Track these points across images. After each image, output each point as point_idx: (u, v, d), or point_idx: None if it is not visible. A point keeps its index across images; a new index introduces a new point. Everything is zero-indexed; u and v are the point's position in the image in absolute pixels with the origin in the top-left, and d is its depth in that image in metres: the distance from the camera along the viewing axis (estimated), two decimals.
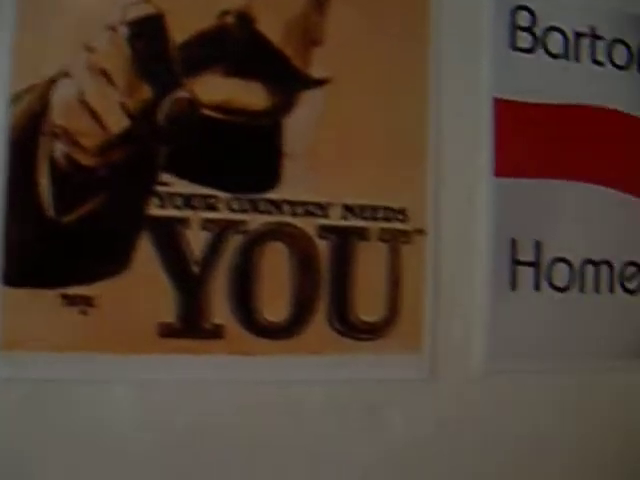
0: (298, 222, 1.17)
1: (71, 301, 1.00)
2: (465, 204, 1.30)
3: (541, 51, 1.38)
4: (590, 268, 1.42)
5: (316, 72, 1.16)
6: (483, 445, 1.29)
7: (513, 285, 1.33)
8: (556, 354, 1.37)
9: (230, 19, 1.09)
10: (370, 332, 1.22)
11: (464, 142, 1.29)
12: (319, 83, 1.15)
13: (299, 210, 1.18)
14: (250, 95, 1.13)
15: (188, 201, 1.11)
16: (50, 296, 0.97)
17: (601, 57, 1.43)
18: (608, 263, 1.43)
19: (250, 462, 1.14)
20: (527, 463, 1.32)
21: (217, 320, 1.12)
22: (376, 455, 1.22)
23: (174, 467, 1.10)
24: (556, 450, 1.34)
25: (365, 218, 1.22)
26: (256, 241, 1.14)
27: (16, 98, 0.99)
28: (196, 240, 1.11)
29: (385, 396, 1.24)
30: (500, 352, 1.32)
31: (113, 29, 1.03)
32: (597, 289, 1.41)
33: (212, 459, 1.12)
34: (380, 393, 1.24)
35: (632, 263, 1.46)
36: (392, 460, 1.23)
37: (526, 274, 1.35)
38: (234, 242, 1.14)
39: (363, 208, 1.22)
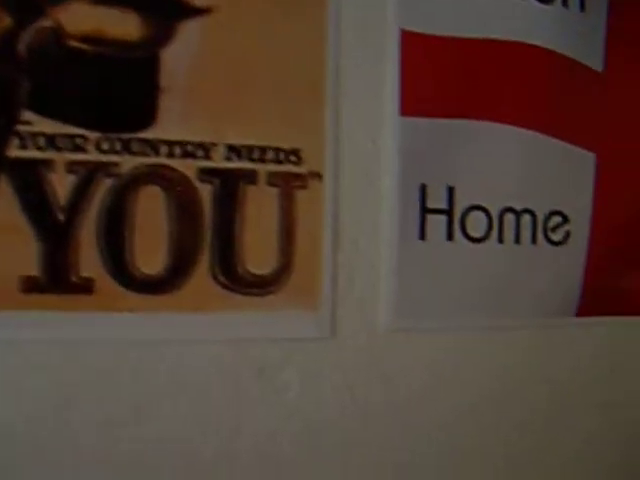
0: (176, 164, 1.17)
1: None
2: (368, 145, 1.31)
3: None
4: (510, 217, 1.43)
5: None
6: (388, 408, 1.32)
7: (422, 235, 1.34)
8: (470, 310, 1.39)
9: None
10: (260, 286, 1.22)
11: (367, 77, 1.30)
12: (200, 12, 1.16)
13: (177, 151, 1.17)
14: (122, 24, 1.12)
15: (52, 141, 1.10)
16: None
17: None
18: (530, 212, 1.45)
19: (126, 430, 1.15)
20: (435, 425, 1.37)
21: (86, 273, 1.12)
22: (270, 423, 1.25)
23: (41, 435, 1.11)
24: (468, 410, 1.38)
25: (252, 160, 1.22)
26: (129, 185, 1.13)
27: None
28: (61, 184, 1.10)
29: (279, 357, 1.25)
30: (408, 308, 1.34)
31: None
32: (517, 240, 1.43)
33: (81, 425, 1.12)
34: (274, 354, 1.25)
35: (557, 213, 1.48)
36: (288, 428, 1.26)
37: (437, 223, 1.36)
38: (104, 186, 1.12)
39: (250, 149, 1.22)
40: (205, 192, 1.19)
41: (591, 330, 1.55)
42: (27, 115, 1.08)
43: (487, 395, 1.41)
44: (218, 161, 1.20)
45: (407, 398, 1.34)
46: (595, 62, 1.52)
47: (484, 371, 1.41)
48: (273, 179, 1.24)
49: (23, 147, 1.08)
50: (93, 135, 1.12)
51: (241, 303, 1.21)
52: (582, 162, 1.53)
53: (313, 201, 1.25)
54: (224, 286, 1.20)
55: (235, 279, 1.21)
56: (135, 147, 1.15)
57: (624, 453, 1.57)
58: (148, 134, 1.15)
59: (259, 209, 1.22)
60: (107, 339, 1.13)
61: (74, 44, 1.07)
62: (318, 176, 1.27)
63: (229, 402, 1.22)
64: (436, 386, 1.37)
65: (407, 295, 1.33)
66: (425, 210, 1.35)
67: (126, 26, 1.12)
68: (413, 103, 1.34)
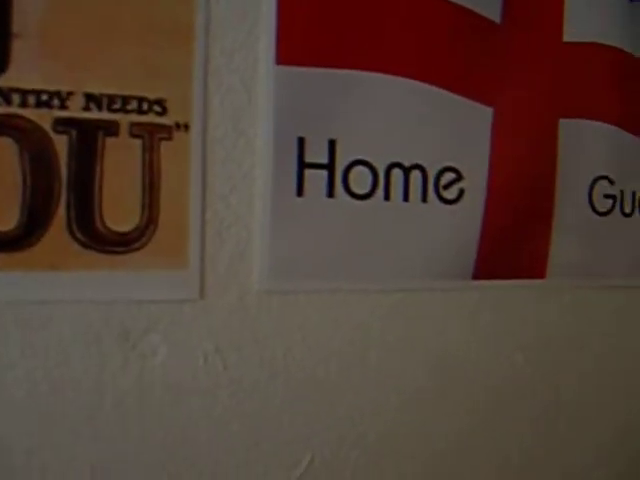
0: (29, 114, 1.29)
1: None
2: (240, 95, 1.46)
3: None
4: (397, 173, 1.61)
5: None
6: (262, 374, 1.51)
7: (300, 191, 1.51)
8: (352, 271, 1.57)
9: None
10: (122, 244, 1.37)
11: (240, 22, 1.44)
12: None
13: (31, 100, 1.29)
14: None
15: None
16: None
17: None
18: (420, 168, 1.63)
19: None
20: (310, 389, 1.55)
21: None
22: (135, 390, 1.40)
23: None
24: (350, 379, 1.59)
25: (113, 110, 1.36)
26: None
27: None
28: None
29: (145, 321, 1.41)
30: (283, 268, 1.51)
31: None
32: (406, 197, 1.62)
33: None
34: (138, 317, 1.40)
35: (450, 169, 1.67)
36: (155, 395, 1.42)
37: (317, 178, 1.53)
38: None
39: (111, 98, 1.35)
40: (61, 144, 1.32)
41: (489, 294, 1.76)
42: None
43: (369, 360, 1.63)
44: (75, 111, 1.33)
45: (283, 364, 1.53)
46: (493, 13, 1.71)
47: (366, 335, 1.61)
48: (136, 130, 1.38)
49: None
50: None
51: (101, 262, 1.36)
52: (479, 117, 1.71)
53: (179, 154, 1.41)
54: (82, 243, 1.34)
55: (94, 236, 1.35)
56: None
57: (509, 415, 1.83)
58: None
59: (120, 162, 1.36)
60: None
61: None
62: (185, 127, 1.41)
63: (90, 369, 1.37)
64: (312, 350, 1.56)
65: (282, 255, 1.50)
66: (303, 165, 1.52)
67: None
68: (291, 51, 1.49)
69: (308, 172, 1.53)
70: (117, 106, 1.37)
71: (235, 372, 1.50)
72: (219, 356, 1.49)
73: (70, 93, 1.33)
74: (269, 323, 1.52)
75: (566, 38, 1.84)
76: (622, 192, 1.98)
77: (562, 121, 1.85)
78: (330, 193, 1.55)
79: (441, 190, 1.68)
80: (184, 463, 1.45)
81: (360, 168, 1.58)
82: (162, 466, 1.43)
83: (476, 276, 1.74)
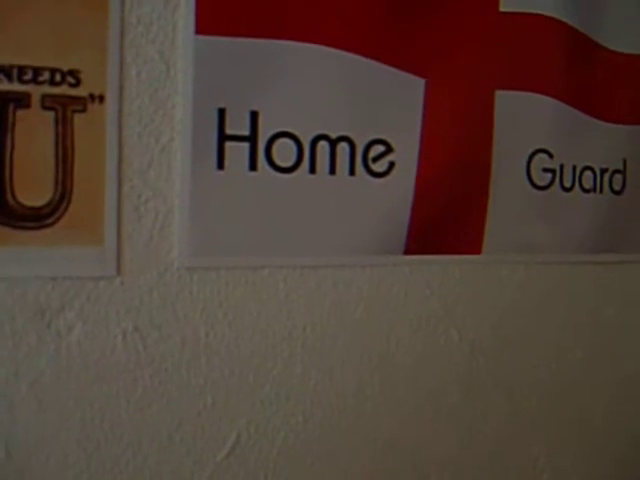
0: None
1: None
2: (158, 66, 1.49)
3: None
4: (324, 145, 1.66)
5: None
6: (183, 354, 1.55)
7: (220, 164, 1.55)
8: (276, 247, 1.62)
9: None
10: (35, 219, 1.39)
11: None
12: None
13: None
14: None
15: None
16: None
17: None
18: (348, 140, 1.68)
19: None
20: (236, 367, 1.60)
21: None
22: (51, 371, 1.44)
23: None
24: (275, 357, 1.65)
25: (24, 81, 1.37)
26: None
27: None
28: None
29: (59, 299, 1.43)
30: (204, 244, 1.55)
31: None
32: (333, 170, 1.66)
33: None
34: (52, 295, 1.43)
35: (379, 141, 1.72)
36: (71, 376, 1.46)
37: (238, 151, 1.57)
38: None
39: (21, 69, 1.37)
40: None
41: (421, 269, 1.81)
42: None
43: (295, 338, 1.68)
44: None
45: (205, 342, 1.57)
46: None
47: (292, 313, 1.66)
48: (48, 102, 1.41)
49: None
50: None
51: (13, 237, 1.39)
52: (410, 88, 1.76)
53: (94, 126, 1.44)
54: None
55: (5, 211, 1.38)
56: None
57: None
58: None
59: (32, 135, 1.39)
60: None
61: None
62: (100, 99, 1.45)
63: (4, 348, 1.40)
64: (236, 328, 1.61)
65: (203, 230, 1.54)
66: (224, 137, 1.55)
67: None
68: (210, 20, 1.52)
69: (229, 145, 1.56)
70: (28, 77, 1.38)
71: (156, 351, 1.53)
72: (138, 335, 1.52)
73: None
74: (190, 301, 1.55)
75: (503, 8, 1.89)
76: (562, 166, 2.04)
77: (498, 93, 1.90)
78: (252, 166, 1.59)
79: (370, 163, 1.71)
80: (104, 444, 1.49)
81: (284, 140, 1.61)
82: (81, 447, 1.48)
83: (408, 251, 1.79)
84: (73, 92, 1.43)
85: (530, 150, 1.97)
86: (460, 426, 1.90)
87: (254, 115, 1.58)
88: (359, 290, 1.73)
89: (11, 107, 1.38)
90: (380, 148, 1.72)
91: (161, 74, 1.51)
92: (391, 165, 1.74)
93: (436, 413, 1.86)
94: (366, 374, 1.75)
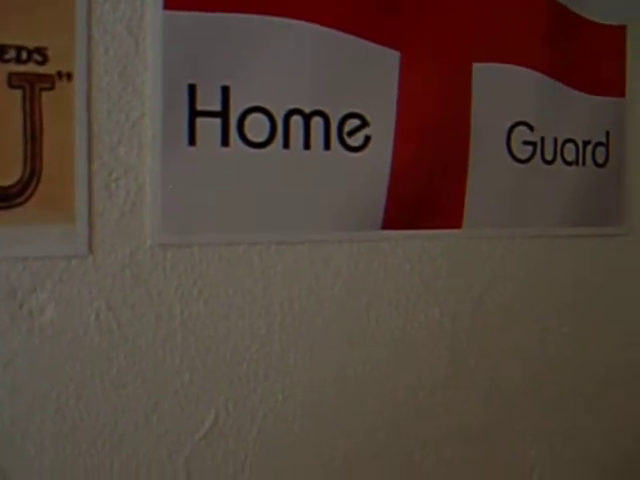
0: None
1: None
2: (127, 42, 1.53)
3: None
4: (297, 120, 1.69)
5: None
6: (158, 333, 1.59)
7: (192, 140, 1.58)
8: (251, 223, 1.66)
9: None
10: (4, 199, 1.42)
11: None
12: None
13: None
14: None
15: None
16: None
17: None
18: (322, 114, 1.71)
19: None
20: (216, 353, 1.66)
21: None
22: (23, 352, 1.47)
23: None
24: (253, 335, 1.69)
25: None
26: None
27: None
28: None
29: (31, 279, 1.46)
30: (177, 221, 1.59)
31: None
32: (307, 145, 1.70)
33: None
34: (24, 275, 1.46)
35: (354, 115, 1.76)
36: (45, 358, 1.50)
37: (210, 127, 1.60)
38: None
39: None
40: None
41: (400, 245, 1.85)
42: None
43: (273, 315, 1.72)
44: None
45: (180, 320, 1.61)
46: None
47: (269, 289, 1.70)
48: (15, 80, 1.44)
49: None
50: None
51: None
52: (385, 61, 1.80)
53: (62, 104, 1.47)
54: None
55: None
56: None
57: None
58: None
59: None
60: None
61: None
62: (67, 77, 1.48)
63: None
64: (211, 306, 1.65)
65: (176, 207, 1.58)
66: (195, 113, 1.59)
67: None
68: None
69: (200, 120, 1.59)
70: None
71: (129, 331, 1.56)
72: (112, 314, 1.55)
73: None
74: (164, 278, 1.59)
75: None
76: (543, 139, 2.08)
77: (476, 65, 1.93)
78: (224, 142, 1.62)
79: (345, 137, 1.75)
80: (79, 425, 1.52)
81: (256, 115, 1.65)
82: (57, 428, 1.51)
83: (386, 226, 1.83)
84: (40, 70, 1.45)
85: (510, 123, 2.01)
86: (443, 403, 1.94)
87: (225, 90, 1.61)
88: (337, 266, 1.76)
89: None
90: (355, 122, 1.76)
91: (130, 50, 1.53)
92: (367, 139, 1.78)
93: (418, 391, 1.91)
94: (346, 352, 1.79)
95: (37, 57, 1.45)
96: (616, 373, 2.23)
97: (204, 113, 1.59)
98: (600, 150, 2.18)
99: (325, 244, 1.73)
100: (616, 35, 2.20)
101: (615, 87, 2.22)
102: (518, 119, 2.01)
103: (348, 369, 1.79)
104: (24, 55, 1.44)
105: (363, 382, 1.81)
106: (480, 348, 1.98)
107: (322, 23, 1.68)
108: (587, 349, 2.18)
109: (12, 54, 1.43)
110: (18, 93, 1.44)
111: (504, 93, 1.97)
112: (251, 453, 1.69)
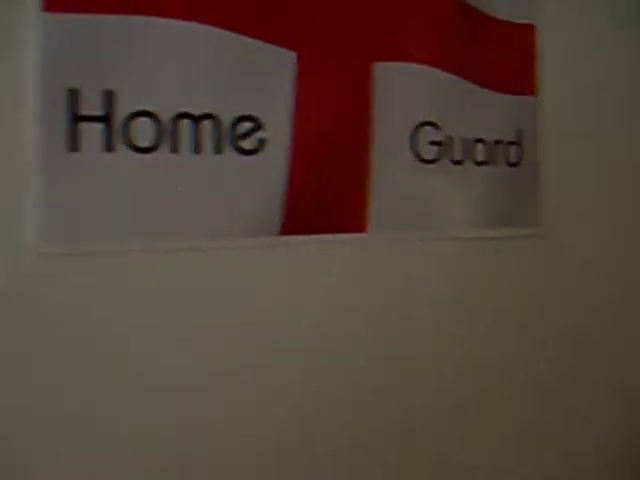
0: None
1: None
2: (3, 46, 1.52)
3: None
4: (186, 124, 1.70)
5: None
6: (42, 347, 1.56)
7: (74, 146, 1.57)
8: (140, 231, 1.66)
9: None
10: None
11: None
12: None
13: None
14: None
15: None
16: None
17: None
18: (212, 117, 1.71)
19: None
20: (103, 365, 1.63)
21: None
22: None
23: None
24: (142, 347, 1.67)
25: None
26: None
27: None
28: None
29: None
30: (59, 230, 1.57)
31: None
32: (197, 149, 1.70)
33: None
34: None
35: (247, 117, 1.76)
36: None
37: (92, 132, 1.59)
38: None
39: None
40: None
41: (299, 251, 1.85)
42: None
43: (163, 326, 1.70)
44: None
45: (71, 335, 1.60)
46: None
47: (159, 299, 1.70)
48: None
49: None
50: None
51: None
52: (279, 62, 1.80)
53: None
54: None
55: None
56: None
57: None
58: None
59: None
60: None
61: None
62: None
63: None
64: (98, 318, 1.63)
65: (58, 215, 1.56)
66: (76, 118, 1.58)
67: None
68: None
69: (82, 125, 1.59)
70: None
71: (17, 344, 1.54)
72: None
73: None
74: (47, 289, 1.57)
75: None
76: (451, 138, 2.10)
77: (378, 65, 1.94)
78: (109, 147, 1.61)
79: (238, 140, 1.75)
80: None
81: (142, 119, 1.64)
82: None
83: (284, 232, 1.82)
84: None
85: (415, 123, 2.03)
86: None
87: (109, 94, 1.61)
88: (232, 274, 1.76)
89: None
90: (249, 125, 1.75)
91: (7, 54, 1.52)
92: (262, 142, 1.78)
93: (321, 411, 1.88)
94: (244, 363, 1.80)
95: None
96: (532, 374, 2.25)
97: (87, 118, 1.59)
98: (512, 149, 2.22)
99: (218, 251, 1.74)
100: (525, 33, 2.24)
101: (526, 85, 2.26)
102: (423, 119, 2.02)
103: (248, 379, 1.83)
104: None
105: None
106: (393, 354, 2.00)
107: (215, 24, 1.69)
108: (503, 350, 2.21)
109: None
110: None
111: (408, 93, 1.99)
112: None
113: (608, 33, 2.38)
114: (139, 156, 1.64)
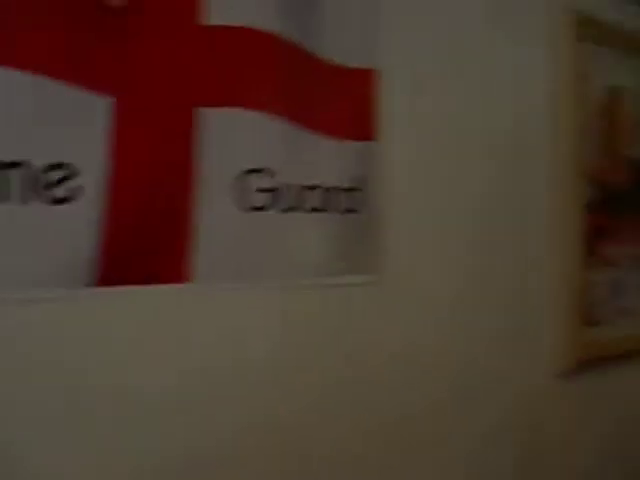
0: None
1: None
2: None
3: None
4: None
5: None
6: None
7: None
8: None
9: None
10: None
11: None
12: None
13: None
14: None
15: None
16: None
17: None
18: (20, 165, 1.67)
19: None
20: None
21: None
22: None
23: None
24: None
25: None
26: None
27: None
28: None
29: None
30: None
31: None
32: (4, 198, 1.64)
33: None
34: None
35: (58, 165, 1.73)
36: None
37: None
38: None
39: None
40: None
41: (115, 303, 1.82)
42: None
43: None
44: None
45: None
46: None
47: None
48: None
49: None
50: None
51: None
52: (94, 109, 1.78)
53: None
54: None
55: None
56: None
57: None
58: None
59: None
60: None
61: None
62: None
63: None
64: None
65: None
66: None
67: None
68: None
69: None
70: None
71: None
72: None
73: None
74: None
75: (203, 22, 1.94)
76: (283, 186, 2.10)
77: (202, 110, 1.93)
78: None
79: (48, 189, 1.72)
80: None
81: None
82: None
83: (100, 283, 1.79)
84: None
85: (241, 170, 2.02)
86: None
87: None
88: (36, 328, 1.71)
89: None
90: (61, 172, 1.72)
91: None
92: (75, 190, 1.75)
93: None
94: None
95: None
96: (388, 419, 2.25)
97: None
98: (351, 195, 2.18)
99: (18, 304, 1.68)
100: (363, 77, 2.26)
101: (365, 131, 2.26)
102: (252, 166, 2.01)
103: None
104: None
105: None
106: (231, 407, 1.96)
107: (23, 69, 1.67)
108: (352, 398, 2.21)
109: None
110: None
111: (234, 139, 1.97)
112: None
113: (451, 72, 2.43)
114: None
